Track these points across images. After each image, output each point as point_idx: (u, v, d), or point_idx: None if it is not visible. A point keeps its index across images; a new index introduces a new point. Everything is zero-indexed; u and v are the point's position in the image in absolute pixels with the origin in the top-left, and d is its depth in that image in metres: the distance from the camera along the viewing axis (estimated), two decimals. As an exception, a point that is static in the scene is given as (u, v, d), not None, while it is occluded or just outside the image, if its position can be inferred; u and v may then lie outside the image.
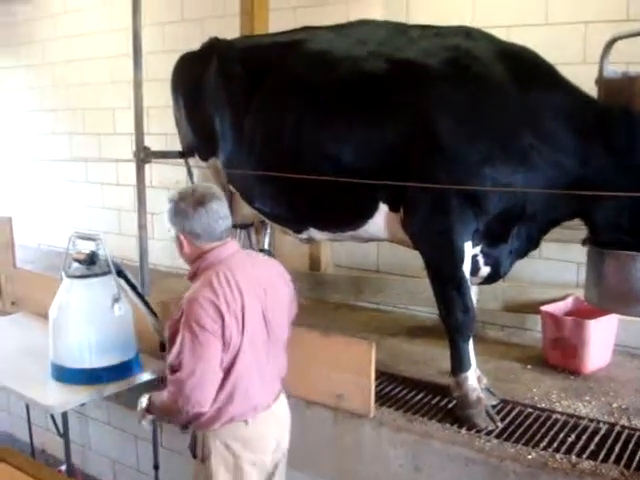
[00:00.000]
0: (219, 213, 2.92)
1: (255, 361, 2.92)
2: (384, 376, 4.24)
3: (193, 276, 2.97)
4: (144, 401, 3.06)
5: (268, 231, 5.28)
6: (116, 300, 3.67)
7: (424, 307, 5.39)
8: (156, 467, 4.47)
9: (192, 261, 2.99)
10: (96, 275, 3.70)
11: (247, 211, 4.55)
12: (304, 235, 4.38)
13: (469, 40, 3.76)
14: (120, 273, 3.72)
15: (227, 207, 3.01)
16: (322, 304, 5.89)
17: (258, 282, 2.97)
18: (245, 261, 3.04)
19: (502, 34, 4.00)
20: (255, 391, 2.95)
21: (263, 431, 3.02)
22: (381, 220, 3.89)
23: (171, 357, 2.79)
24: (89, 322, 3.71)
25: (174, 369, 2.78)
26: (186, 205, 2.88)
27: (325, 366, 3.75)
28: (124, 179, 7.58)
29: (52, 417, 3.98)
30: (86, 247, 3.74)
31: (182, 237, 2.93)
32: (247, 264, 3.02)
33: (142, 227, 4.82)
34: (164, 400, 2.88)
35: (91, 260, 3.70)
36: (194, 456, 3.01)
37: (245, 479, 2.98)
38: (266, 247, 5.31)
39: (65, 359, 3.73)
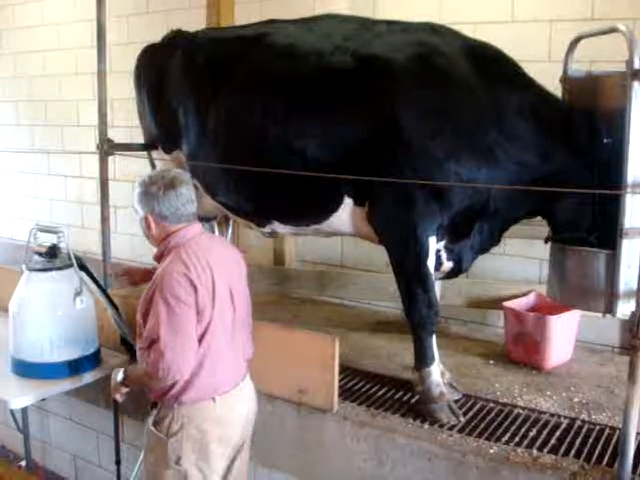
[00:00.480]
0: (187, 197, 3.05)
1: (223, 336, 3.02)
2: (347, 371, 4.24)
3: (160, 256, 3.08)
4: (120, 375, 3.13)
5: (230, 225, 5.25)
6: (77, 293, 3.63)
7: (388, 302, 5.41)
8: (118, 462, 4.44)
9: (159, 242, 3.10)
10: (57, 268, 3.66)
11: (210, 204, 4.51)
12: (267, 229, 4.36)
13: (435, 36, 3.77)
14: (82, 266, 3.68)
15: (194, 192, 3.14)
16: (286, 299, 5.90)
17: (223, 260, 3.10)
18: (210, 241, 3.21)
19: (468, 31, 4.00)
20: (222, 365, 3.04)
21: (231, 408, 3.10)
22: (346, 214, 3.88)
23: (148, 331, 2.87)
24: (50, 316, 3.67)
25: (152, 341, 2.85)
26: (157, 188, 3.00)
27: (288, 361, 3.74)
28: (87, 172, 7.48)
29: (12, 412, 3.92)
30: (48, 240, 3.70)
31: (150, 218, 3.04)
32: (212, 243, 3.18)
33: (105, 220, 4.78)
34: (140, 373, 2.99)
35: (52, 253, 3.66)
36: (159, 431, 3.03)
37: (209, 456, 3.04)
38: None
39: (25, 353, 3.68)
